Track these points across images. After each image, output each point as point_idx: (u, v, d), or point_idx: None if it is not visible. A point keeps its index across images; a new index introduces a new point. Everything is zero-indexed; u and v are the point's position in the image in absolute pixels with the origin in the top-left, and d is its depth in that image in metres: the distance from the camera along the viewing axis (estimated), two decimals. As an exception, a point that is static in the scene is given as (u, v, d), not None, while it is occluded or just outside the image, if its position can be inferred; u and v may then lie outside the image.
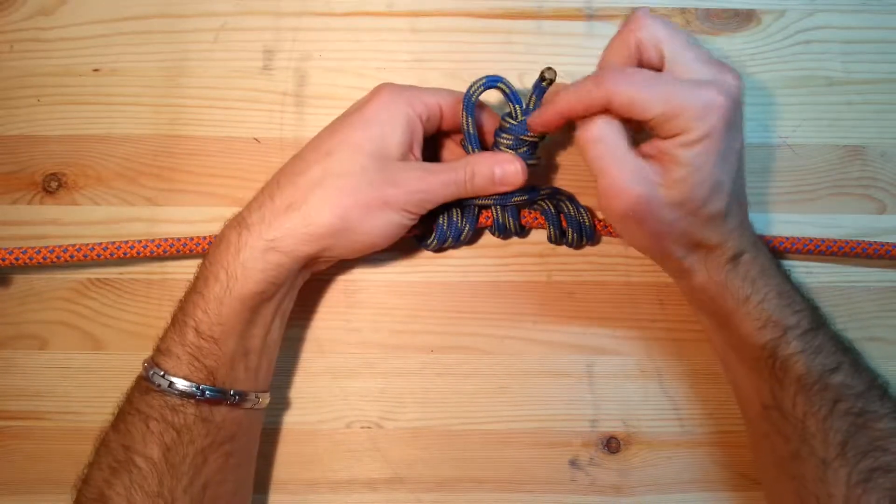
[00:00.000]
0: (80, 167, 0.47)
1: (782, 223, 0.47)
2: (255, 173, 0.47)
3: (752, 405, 0.40)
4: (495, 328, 0.47)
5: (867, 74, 0.48)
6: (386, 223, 0.40)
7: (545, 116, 0.40)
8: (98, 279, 0.47)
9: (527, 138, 0.42)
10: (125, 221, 0.47)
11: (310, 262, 0.41)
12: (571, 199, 0.46)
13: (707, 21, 0.48)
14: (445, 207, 0.44)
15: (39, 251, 0.43)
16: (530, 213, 0.45)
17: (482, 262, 0.47)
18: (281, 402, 0.46)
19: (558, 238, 0.45)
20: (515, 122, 0.42)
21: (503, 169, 0.42)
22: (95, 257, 0.44)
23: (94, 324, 0.46)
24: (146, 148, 0.47)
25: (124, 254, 0.44)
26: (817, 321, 0.39)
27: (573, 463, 0.46)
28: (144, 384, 0.39)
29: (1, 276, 0.46)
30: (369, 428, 0.46)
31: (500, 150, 0.43)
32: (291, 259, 0.39)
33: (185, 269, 0.47)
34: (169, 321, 0.40)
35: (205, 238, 0.44)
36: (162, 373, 0.38)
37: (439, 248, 0.45)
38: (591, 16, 0.48)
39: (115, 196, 0.47)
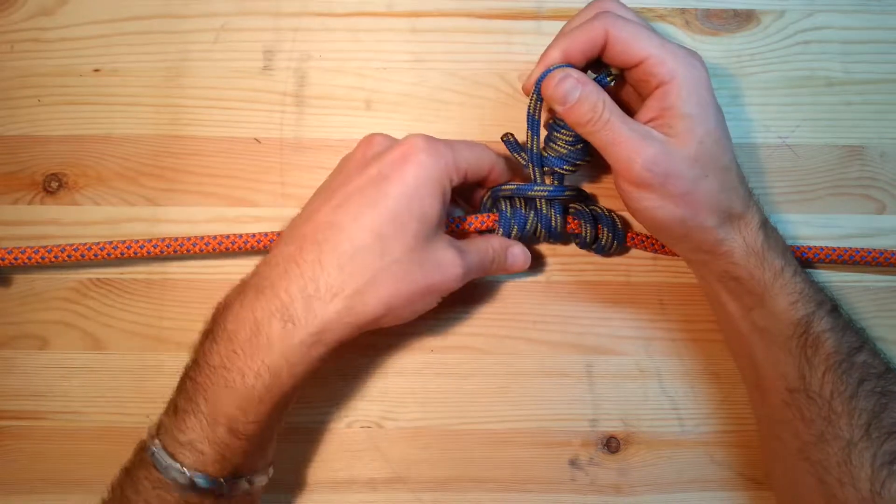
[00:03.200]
0: (81, 167, 0.47)
1: (782, 223, 0.47)
2: (255, 173, 0.47)
3: (775, 392, 0.40)
4: (495, 328, 0.47)
5: (867, 74, 0.48)
6: (424, 307, 0.39)
7: (547, 58, 0.40)
8: (98, 279, 0.47)
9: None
10: (125, 221, 0.47)
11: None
12: (596, 202, 0.46)
13: (707, 21, 0.48)
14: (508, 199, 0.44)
15: (38, 251, 0.43)
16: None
17: (482, 262, 0.47)
18: (281, 402, 0.46)
19: (592, 241, 0.45)
20: None
21: (514, 258, 0.43)
22: (93, 257, 0.44)
23: (94, 324, 0.46)
24: (146, 148, 0.47)
25: (121, 254, 0.44)
26: (836, 300, 0.41)
27: (573, 463, 0.46)
28: (156, 476, 0.36)
29: (1, 276, 0.46)
30: (369, 428, 0.46)
31: (555, 146, 0.42)
32: (332, 349, 0.37)
33: (186, 270, 0.47)
34: (182, 405, 0.37)
35: (202, 238, 0.44)
36: (179, 466, 0.35)
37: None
38: (590, 16, 0.48)
39: (115, 196, 0.47)
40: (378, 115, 0.48)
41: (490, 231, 0.44)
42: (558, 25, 0.48)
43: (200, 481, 0.36)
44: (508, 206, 0.44)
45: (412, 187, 0.37)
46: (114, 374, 0.46)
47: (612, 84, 0.41)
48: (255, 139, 0.47)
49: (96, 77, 0.47)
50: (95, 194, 0.47)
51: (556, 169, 0.43)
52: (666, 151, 0.38)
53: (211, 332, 0.37)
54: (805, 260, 0.45)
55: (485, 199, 0.45)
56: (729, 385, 0.47)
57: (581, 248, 0.46)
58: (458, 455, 0.46)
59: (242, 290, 0.37)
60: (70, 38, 0.48)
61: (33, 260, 0.43)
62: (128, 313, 0.47)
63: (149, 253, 0.44)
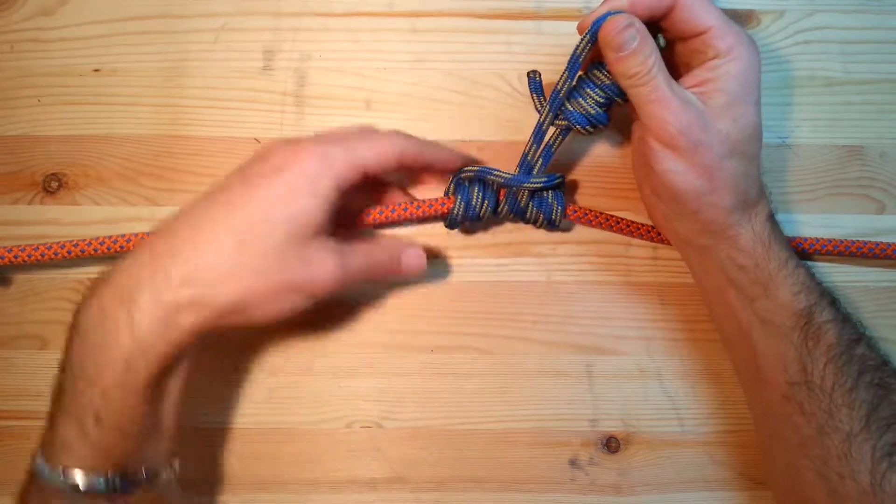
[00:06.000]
0: (81, 167, 0.47)
1: (782, 223, 0.47)
2: (256, 173, 0.47)
3: (775, 386, 0.40)
4: (495, 328, 0.47)
5: (867, 74, 0.48)
6: (290, 305, 0.38)
7: (613, 1, 0.39)
8: (98, 279, 0.47)
9: (617, 100, 0.41)
10: (125, 221, 0.47)
11: (208, 332, 0.37)
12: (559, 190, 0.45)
13: (707, 21, 0.48)
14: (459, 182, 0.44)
15: (38, 248, 0.43)
16: None
17: (482, 262, 0.47)
18: (281, 402, 0.46)
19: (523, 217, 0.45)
20: (610, 81, 0.41)
21: (409, 260, 0.42)
22: (92, 252, 0.43)
23: (94, 324, 0.46)
24: (146, 148, 0.47)
25: (120, 247, 0.44)
26: (834, 293, 0.41)
27: (573, 463, 0.46)
28: (41, 486, 0.35)
29: (1, 276, 0.46)
30: (369, 428, 0.46)
31: (583, 102, 0.41)
32: (192, 335, 0.36)
33: (186, 269, 0.47)
34: (52, 411, 0.36)
35: None
36: (60, 469, 0.35)
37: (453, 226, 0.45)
38: (590, 16, 0.48)
39: (115, 196, 0.47)
40: (378, 115, 0.48)
41: (443, 217, 0.44)
42: (558, 25, 0.48)
43: (83, 481, 0.35)
44: (475, 187, 0.44)
45: (282, 191, 0.37)
46: (114, 374, 0.46)
47: (662, 50, 0.40)
48: (255, 139, 0.47)
49: (96, 77, 0.47)
50: (95, 194, 0.47)
51: (574, 126, 0.42)
52: (702, 120, 0.38)
53: (68, 332, 0.37)
54: (802, 251, 0.45)
55: (448, 187, 0.45)
56: (729, 385, 0.47)
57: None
58: (458, 455, 0.46)
59: (96, 286, 0.37)
60: (70, 38, 0.48)
61: (33, 257, 0.43)
62: (128, 313, 0.46)
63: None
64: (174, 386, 0.38)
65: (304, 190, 0.37)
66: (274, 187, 0.37)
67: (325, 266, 0.38)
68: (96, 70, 0.48)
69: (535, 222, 0.45)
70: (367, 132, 0.42)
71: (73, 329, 0.36)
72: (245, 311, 0.37)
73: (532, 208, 0.44)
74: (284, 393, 0.47)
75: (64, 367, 0.37)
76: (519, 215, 0.45)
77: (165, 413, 0.38)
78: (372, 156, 0.40)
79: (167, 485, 0.39)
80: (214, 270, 0.36)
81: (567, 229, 0.47)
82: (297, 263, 0.37)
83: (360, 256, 0.40)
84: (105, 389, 0.35)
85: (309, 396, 0.47)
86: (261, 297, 0.37)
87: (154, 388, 0.36)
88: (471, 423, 0.47)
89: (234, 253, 0.36)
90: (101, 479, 0.35)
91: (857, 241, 0.45)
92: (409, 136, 0.43)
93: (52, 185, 0.47)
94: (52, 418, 0.36)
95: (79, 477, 0.35)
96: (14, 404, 0.46)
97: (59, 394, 0.36)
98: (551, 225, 0.45)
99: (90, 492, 0.35)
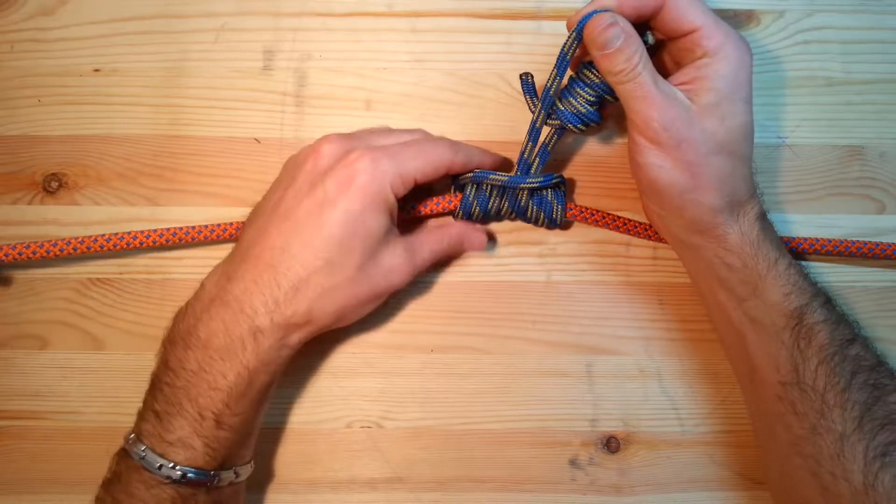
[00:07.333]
0: (81, 167, 0.47)
1: (781, 223, 0.47)
2: (255, 173, 0.47)
3: (768, 385, 0.40)
4: (495, 328, 0.47)
5: (867, 74, 0.48)
6: (372, 307, 0.43)
7: (600, 0, 0.40)
8: (98, 279, 0.47)
9: (608, 98, 0.42)
10: (125, 221, 0.47)
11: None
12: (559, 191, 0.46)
13: (707, 21, 0.48)
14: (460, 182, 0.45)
15: (43, 244, 0.43)
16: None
17: (482, 262, 0.47)
18: (281, 402, 0.46)
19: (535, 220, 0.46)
20: (599, 80, 0.41)
21: (470, 240, 0.46)
22: (99, 249, 0.44)
23: (94, 324, 0.46)
24: (146, 148, 0.47)
25: (127, 244, 0.44)
26: (829, 293, 0.41)
27: (573, 463, 0.46)
28: (148, 477, 0.38)
29: (1, 276, 0.46)
30: (369, 428, 0.46)
31: (573, 101, 0.42)
32: (296, 350, 0.41)
33: (186, 270, 0.47)
34: (164, 409, 0.39)
35: (206, 226, 0.45)
36: (172, 464, 0.38)
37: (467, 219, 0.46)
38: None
39: (115, 196, 0.47)
40: (378, 115, 0.48)
41: (452, 213, 0.46)
42: (558, 25, 0.48)
43: (193, 475, 0.38)
44: (473, 189, 0.45)
45: (356, 212, 0.40)
46: (113, 374, 0.46)
47: (649, 47, 0.40)
48: (255, 139, 0.47)
49: (96, 77, 0.47)
50: (95, 194, 0.47)
51: (567, 125, 0.42)
52: (687, 117, 0.38)
53: (181, 340, 0.40)
54: (800, 251, 0.45)
55: (453, 189, 0.46)
56: (728, 385, 0.47)
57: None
58: (458, 455, 0.46)
59: (207, 301, 0.40)
60: (70, 38, 0.48)
61: (37, 254, 0.43)
62: (128, 313, 0.47)
63: (154, 242, 0.44)
64: (271, 391, 0.42)
65: (371, 207, 0.40)
66: (343, 210, 0.40)
67: (400, 270, 0.42)
68: (96, 70, 0.48)
69: (535, 221, 0.45)
70: (421, 143, 0.43)
71: (190, 338, 0.40)
72: (339, 322, 0.42)
73: (532, 207, 0.44)
74: (284, 393, 0.47)
75: (174, 369, 0.39)
76: (520, 214, 0.45)
77: (261, 415, 0.42)
78: (421, 168, 0.42)
79: (243, 483, 0.42)
80: (313, 293, 0.40)
81: (567, 228, 0.47)
82: (376, 274, 0.41)
83: (426, 252, 0.44)
84: (229, 395, 0.39)
85: (309, 396, 0.47)
86: (352, 310, 0.42)
87: (266, 394, 0.41)
88: (471, 423, 0.47)
89: (327, 277, 0.40)
90: (206, 473, 0.39)
91: (857, 241, 0.45)
92: (457, 146, 0.44)
93: (52, 185, 0.47)
94: (165, 416, 0.39)
95: (189, 472, 0.38)
96: (14, 404, 0.46)
97: (172, 394, 0.39)
98: (552, 223, 0.45)
99: (193, 482, 0.38)
